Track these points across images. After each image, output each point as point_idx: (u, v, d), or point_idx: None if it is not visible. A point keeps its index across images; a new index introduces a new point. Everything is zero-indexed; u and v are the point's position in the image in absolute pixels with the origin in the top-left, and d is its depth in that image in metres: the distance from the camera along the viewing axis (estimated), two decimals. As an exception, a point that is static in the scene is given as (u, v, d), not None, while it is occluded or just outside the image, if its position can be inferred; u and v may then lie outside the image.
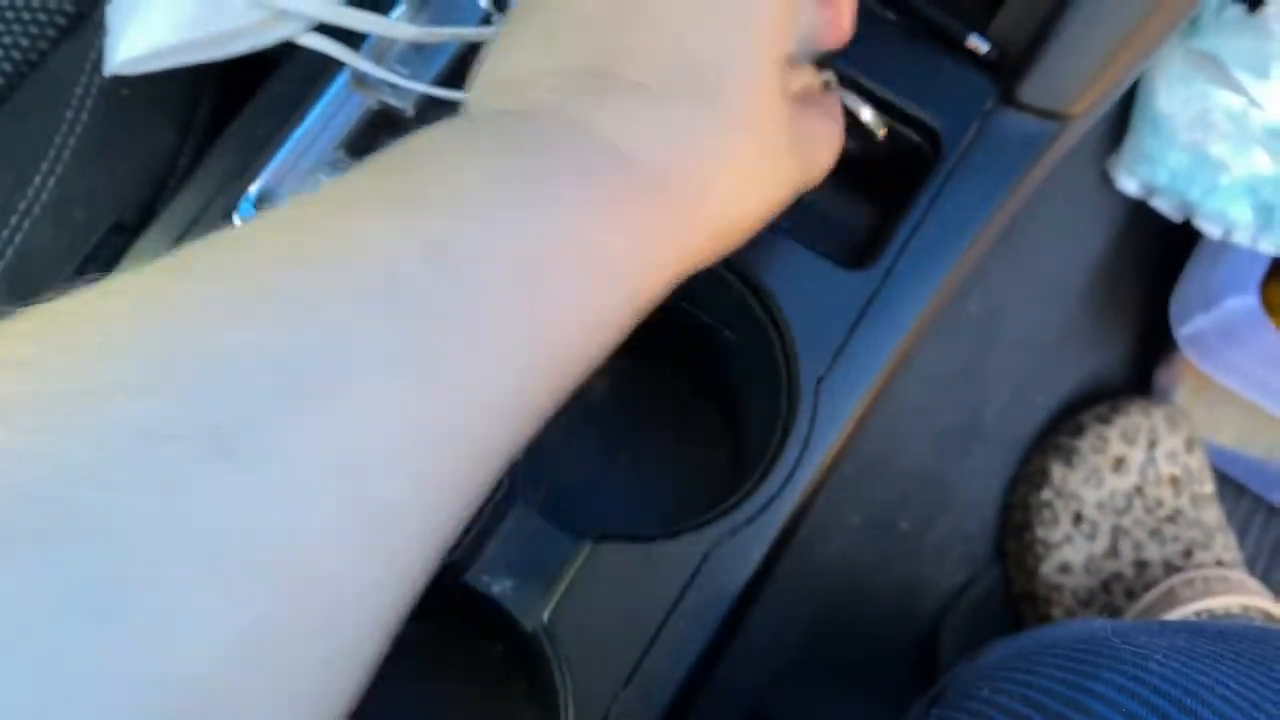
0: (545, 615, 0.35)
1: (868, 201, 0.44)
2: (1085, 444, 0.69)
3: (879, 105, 0.41)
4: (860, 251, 0.43)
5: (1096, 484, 0.68)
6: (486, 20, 0.41)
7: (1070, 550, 0.67)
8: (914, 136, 0.41)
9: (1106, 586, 0.66)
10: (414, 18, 0.42)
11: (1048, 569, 0.68)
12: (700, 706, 0.37)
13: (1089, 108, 0.41)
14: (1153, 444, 0.68)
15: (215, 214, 0.39)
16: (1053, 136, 0.41)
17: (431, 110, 0.41)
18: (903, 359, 0.38)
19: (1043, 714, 0.28)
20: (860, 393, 0.37)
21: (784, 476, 0.36)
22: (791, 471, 0.36)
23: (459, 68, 0.41)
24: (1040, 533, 0.68)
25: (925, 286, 0.38)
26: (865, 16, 0.42)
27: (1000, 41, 0.41)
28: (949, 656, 0.70)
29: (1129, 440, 0.68)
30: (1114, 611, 0.66)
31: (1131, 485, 0.68)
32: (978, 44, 0.41)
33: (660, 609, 0.35)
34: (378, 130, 0.42)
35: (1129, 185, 0.68)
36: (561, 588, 0.35)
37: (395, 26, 0.40)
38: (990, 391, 0.73)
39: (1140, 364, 0.75)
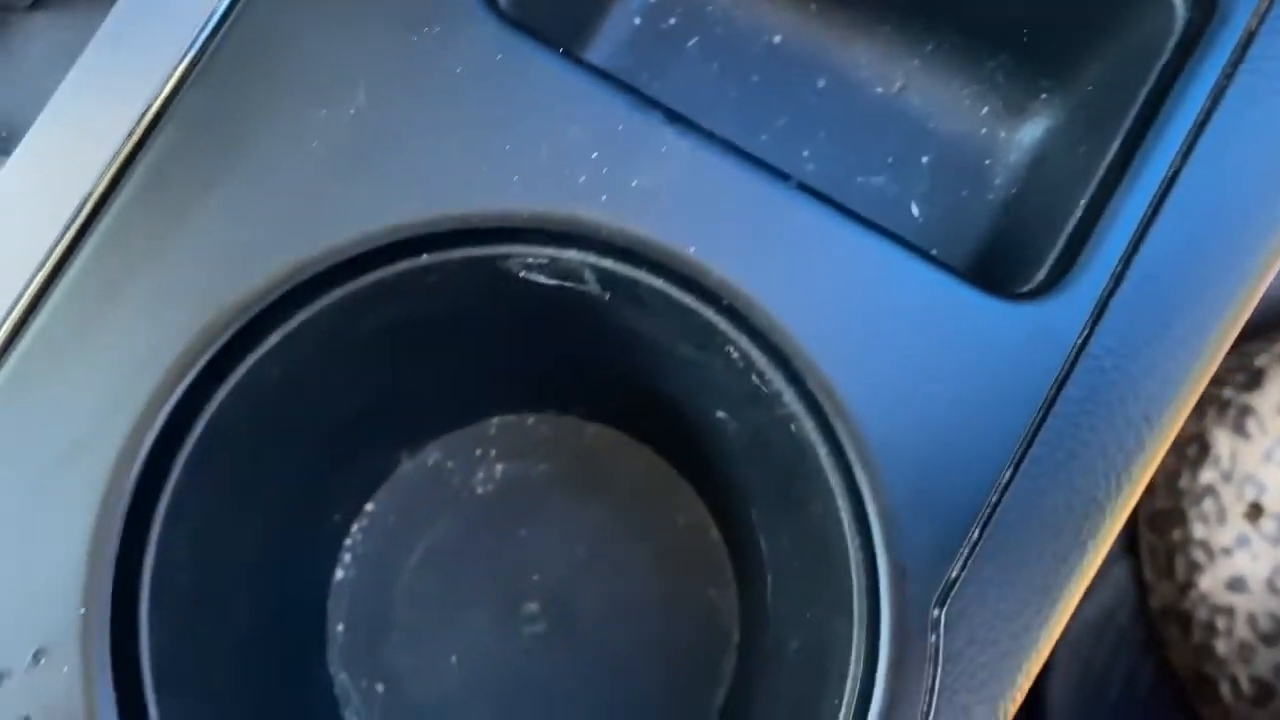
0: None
1: None
2: (1266, 400, 0.47)
3: None
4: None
5: (1285, 460, 0.46)
6: None
7: (1246, 558, 0.46)
8: None
9: (1308, 615, 0.46)
10: None
11: (1210, 583, 0.47)
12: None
13: None
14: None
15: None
16: None
17: None
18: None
19: None
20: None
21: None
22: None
23: None
24: (1199, 531, 0.47)
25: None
26: None
27: None
28: (1061, 696, 0.50)
29: (1333, 395, 0.46)
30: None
31: (1339, 462, 0.46)
32: None
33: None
34: None
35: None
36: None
37: None
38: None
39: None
